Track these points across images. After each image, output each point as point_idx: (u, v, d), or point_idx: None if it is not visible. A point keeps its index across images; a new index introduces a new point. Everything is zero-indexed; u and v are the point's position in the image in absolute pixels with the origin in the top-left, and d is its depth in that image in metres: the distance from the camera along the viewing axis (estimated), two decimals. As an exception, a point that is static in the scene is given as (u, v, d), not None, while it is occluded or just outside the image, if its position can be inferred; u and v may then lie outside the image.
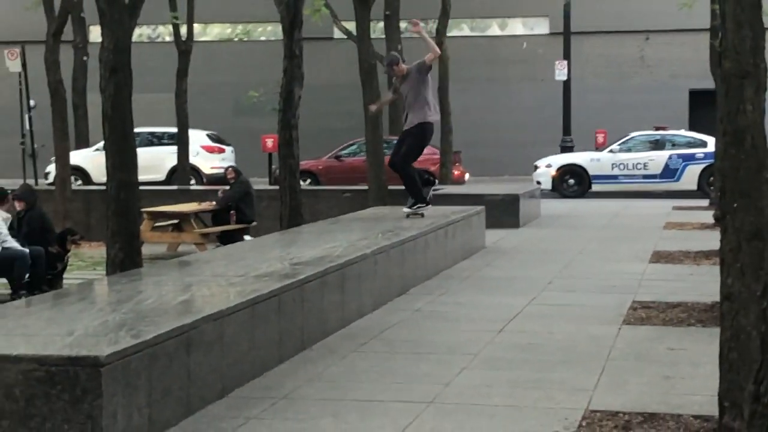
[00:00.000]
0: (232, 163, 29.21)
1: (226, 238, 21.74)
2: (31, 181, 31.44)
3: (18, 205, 16.99)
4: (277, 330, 9.27)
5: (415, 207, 15.93)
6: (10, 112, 37.05)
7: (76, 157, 31.92)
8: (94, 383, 6.46)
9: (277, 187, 21.87)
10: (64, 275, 17.07)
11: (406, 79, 15.86)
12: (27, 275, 15.91)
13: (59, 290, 14.80)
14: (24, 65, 33.26)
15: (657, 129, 35.14)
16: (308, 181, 31.62)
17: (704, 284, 13.21)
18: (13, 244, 15.92)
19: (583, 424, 7.38)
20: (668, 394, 8.23)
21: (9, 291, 15.83)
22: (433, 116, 16.02)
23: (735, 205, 6.88)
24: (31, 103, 34.08)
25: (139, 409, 6.90)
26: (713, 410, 7.09)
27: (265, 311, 8.99)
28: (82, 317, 7.94)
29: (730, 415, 6.81)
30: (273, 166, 30.79)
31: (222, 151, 37.88)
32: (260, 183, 28.77)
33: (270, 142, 34.07)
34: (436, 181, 16.63)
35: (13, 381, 6.50)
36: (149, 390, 7.04)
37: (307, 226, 15.36)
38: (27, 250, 16.00)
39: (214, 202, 23.00)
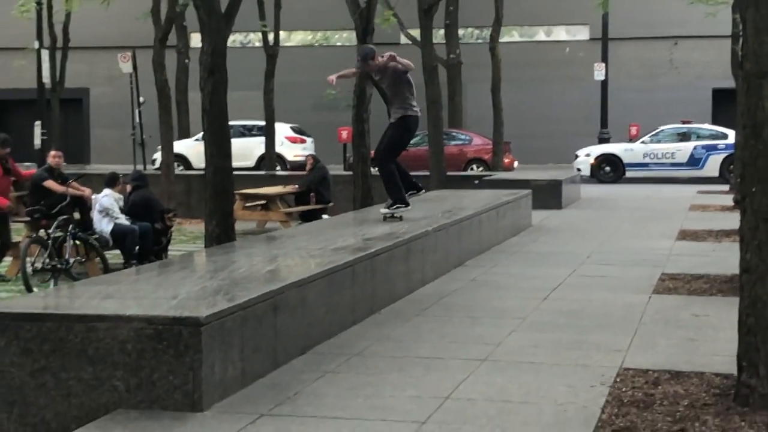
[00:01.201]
0: (312, 152, 29.25)
1: (306, 217, 21.83)
2: (140, 167, 31.75)
3: (128, 188, 17.14)
4: (351, 296, 9.31)
5: (393, 208, 12.71)
6: (123, 108, 37.38)
7: (179, 146, 32.12)
8: (195, 340, 6.55)
9: (350, 173, 21.93)
10: (169, 248, 17.21)
11: (384, 74, 12.91)
12: (137, 248, 16.06)
13: (164, 260, 14.96)
14: (135, 67, 33.49)
15: (683, 123, 35.10)
16: (376, 167, 31.56)
17: (725, 259, 13.11)
18: (124, 221, 16.08)
19: (618, 380, 7.37)
20: (693, 354, 8.20)
21: (122, 261, 15.98)
22: (415, 110, 12.74)
23: (753, 189, 6.86)
24: (141, 99, 34.33)
25: (233, 363, 6.98)
26: (732, 369, 7.06)
27: (340, 279, 9.04)
28: (185, 283, 8.04)
29: (747, 374, 6.79)
30: (347, 155, 30.85)
31: (303, 141, 38.10)
32: (336, 169, 28.77)
33: (344, 134, 34.35)
34: (423, 190, 13.67)
35: (126, 337, 6.60)
36: (242, 346, 7.11)
37: (377, 206, 15.36)
38: (136, 227, 16.15)
39: (296, 186, 23.09)
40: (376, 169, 13.71)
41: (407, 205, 12.65)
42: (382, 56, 12.50)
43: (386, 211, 12.72)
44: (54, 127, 33.30)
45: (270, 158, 33.76)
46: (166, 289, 7.79)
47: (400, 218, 12.53)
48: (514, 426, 6.29)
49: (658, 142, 33.81)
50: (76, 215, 15.91)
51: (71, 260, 15.18)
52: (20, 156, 17.44)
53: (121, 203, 16.48)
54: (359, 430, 6.23)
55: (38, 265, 14.96)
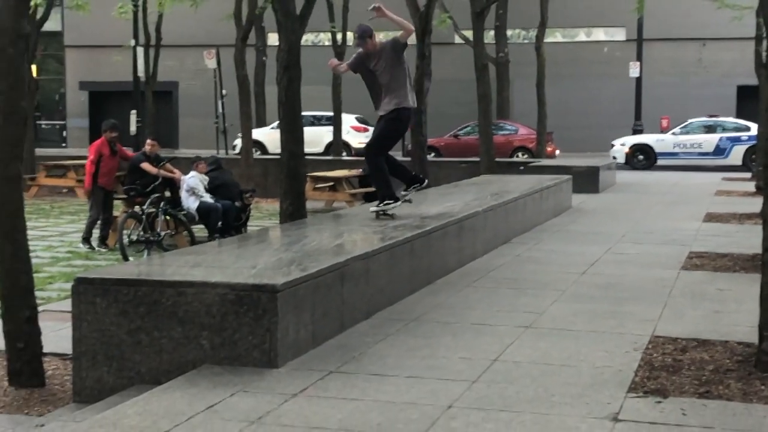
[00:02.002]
0: (375, 139, 29.30)
1: (369, 197, 21.84)
2: (221, 152, 32.00)
3: (204, 169, 17.22)
4: (409, 268, 9.33)
5: (383, 205, 10.77)
6: (207, 99, 37.65)
7: (257, 134, 32.28)
8: (272, 305, 6.60)
9: (409, 159, 21.95)
10: (247, 223, 17.32)
11: (380, 58, 10.78)
12: (220, 223, 16.19)
13: (243, 235, 15.07)
14: (218, 63, 33.74)
15: (710, 116, 34.92)
16: (432, 154, 31.59)
17: (747, 239, 13.03)
18: (208, 199, 16.21)
19: (649, 346, 7.34)
20: (717, 324, 8.14)
21: (206, 235, 16.12)
22: (411, 102, 10.83)
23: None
24: (223, 92, 34.62)
25: (304, 326, 7.02)
26: (754, 338, 7.02)
27: (400, 253, 9.05)
28: (262, 255, 8.10)
29: (767, 342, 6.73)
30: (405, 143, 30.84)
31: (366, 130, 38.14)
32: (395, 155, 28.78)
33: (404, 124, 34.50)
34: (426, 181, 11.66)
35: (212, 301, 6.67)
36: (312, 311, 7.15)
37: (433, 189, 15.36)
38: (220, 204, 16.27)
39: (360, 170, 23.14)
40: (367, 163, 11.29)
41: (396, 200, 10.83)
42: (372, 9, 10.87)
43: (375, 208, 10.93)
44: (147, 116, 33.64)
45: (337, 145, 33.91)
46: (246, 260, 7.87)
47: (392, 216, 10.77)
48: (556, 386, 6.29)
49: (687, 133, 33.62)
50: (167, 194, 16.11)
51: (162, 233, 15.36)
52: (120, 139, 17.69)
53: (206, 183, 16.60)
54: (417, 386, 6.26)
55: (133, 237, 15.17)
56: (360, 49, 10.87)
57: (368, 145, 11.30)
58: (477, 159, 24.29)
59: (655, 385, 6.31)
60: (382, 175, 10.76)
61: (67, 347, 7.50)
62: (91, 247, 15.76)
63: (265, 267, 7.40)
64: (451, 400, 5.95)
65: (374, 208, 10.92)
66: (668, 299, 9.20)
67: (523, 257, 11.83)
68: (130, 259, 14.08)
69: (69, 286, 9.32)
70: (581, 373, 6.59)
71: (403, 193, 10.96)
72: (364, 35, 10.73)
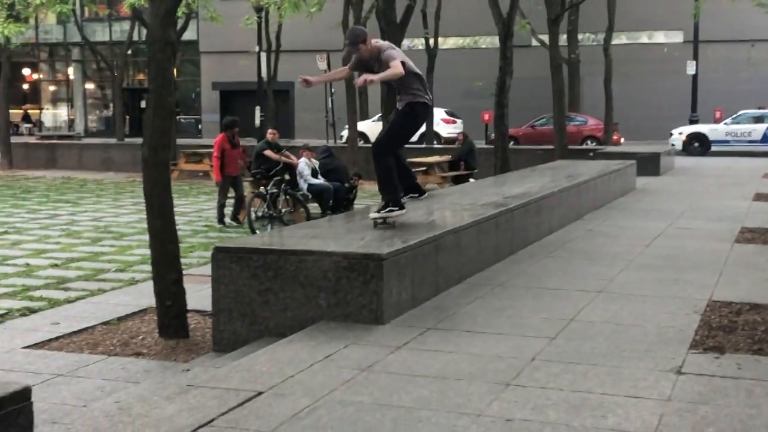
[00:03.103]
0: (462, 130, 29.15)
1: (457, 180, 21.79)
2: (331, 142, 32.16)
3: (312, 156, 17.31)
4: (495, 240, 9.28)
5: (385, 211, 8.15)
6: (319, 97, 37.68)
7: (361, 126, 32.36)
8: (379, 271, 6.64)
9: (491, 146, 21.84)
10: (354, 202, 17.41)
11: (380, 62, 8.05)
12: (331, 201, 16.31)
13: (351, 211, 15.16)
14: (328, 65, 33.86)
15: (759, 108, 34.08)
16: (512, 143, 31.38)
17: (793, 216, 12.73)
18: (316, 182, 16.33)
19: (707, 309, 7.20)
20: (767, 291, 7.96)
21: (320, 212, 16.26)
22: (425, 97, 8.29)
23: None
24: (332, 90, 34.82)
25: (405, 289, 7.05)
26: (800, 302, 6.85)
27: (486, 228, 9.01)
28: (368, 229, 8.13)
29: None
30: (488, 132, 30.64)
31: (454, 122, 38.23)
32: (479, 144, 28.60)
33: (486, 116, 34.44)
34: (426, 195, 9.53)
35: (327, 267, 6.73)
36: (412, 277, 7.17)
37: (513, 173, 15.23)
38: (331, 186, 16.40)
39: (450, 156, 23.07)
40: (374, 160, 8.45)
41: (402, 208, 8.11)
42: (357, 82, 8.17)
43: (376, 215, 8.07)
44: (269, 111, 33.93)
45: (429, 135, 33.83)
46: (355, 233, 7.91)
47: (393, 224, 8.02)
48: (626, 342, 6.22)
49: (738, 123, 32.89)
50: (287, 176, 16.29)
51: (283, 210, 15.57)
52: (243, 133, 17.93)
53: (314, 167, 16.71)
54: (503, 342, 6.24)
55: (259, 213, 15.42)
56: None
57: (377, 141, 8.38)
58: (551, 147, 24.05)
59: (714, 343, 6.20)
60: (389, 176, 8.03)
61: (206, 305, 7.66)
62: (225, 226, 16.05)
63: (372, 239, 7.44)
64: (533, 354, 5.93)
65: (374, 215, 8.05)
66: (723, 268, 9.01)
67: (594, 231, 11.68)
68: (257, 232, 14.29)
69: (207, 254, 9.50)
70: (647, 332, 6.51)
71: (372, 216, 8.17)
72: (357, 41, 7.94)
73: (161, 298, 7.84)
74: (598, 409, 4.88)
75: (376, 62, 7.93)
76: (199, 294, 8.58)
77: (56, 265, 11.91)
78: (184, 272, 8.25)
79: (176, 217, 8.31)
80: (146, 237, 8.65)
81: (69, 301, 9.55)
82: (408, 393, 5.14)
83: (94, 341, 7.74)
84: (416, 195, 9.00)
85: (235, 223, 16.20)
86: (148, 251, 8.49)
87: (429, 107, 8.26)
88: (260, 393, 5.16)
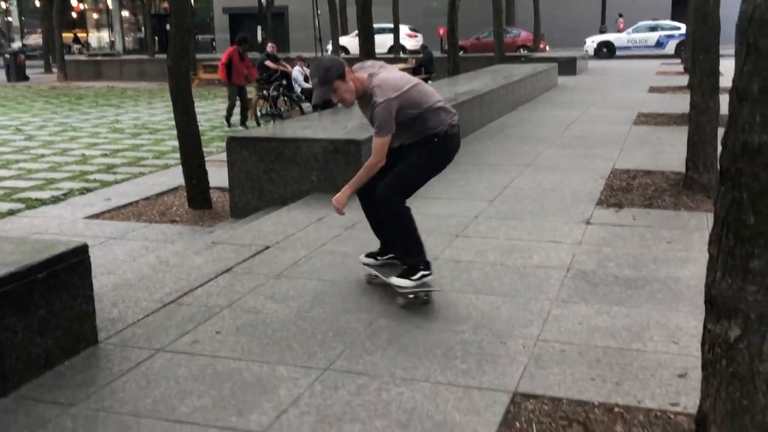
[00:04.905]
0: (423, 43, 28.54)
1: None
2: (319, 54, 31.45)
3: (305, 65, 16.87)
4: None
5: (416, 279, 4.01)
6: (308, 17, 36.74)
7: (342, 40, 31.57)
8: (357, 153, 6.60)
9: (445, 55, 21.43)
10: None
11: (370, 109, 3.93)
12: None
13: (335, 109, 14.93)
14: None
15: (653, 20, 33.60)
16: (461, 51, 30.81)
17: (679, 104, 12.72)
18: (307, 86, 15.98)
19: (610, 176, 7.26)
20: (657, 160, 8.00)
21: (312, 110, 16.04)
22: (448, 121, 4.04)
23: (701, 56, 6.53)
24: (318, 11, 33.83)
25: (379, 166, 7.02)
26: (682, 169, 6.91)
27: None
28: (350, 121, 8.04)
29: (692, 171, 6.63)
30: (443, 44, 30.06)
31: (416, 36, 37.22)
32: (436, 53, 28.09)
33: (441, 31, 33.71)
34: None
35: (318, 151, 6.68)
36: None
37: (462, 75, 15.00)
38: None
39: (413, 63, 22.63)
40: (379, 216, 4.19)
41: (429, 267, 4.12)
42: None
43: (405, 287, 4.03)
44: (268, 30, 33.04)
45: (396, 47, 33.15)
46: (339, 124, 7.82)
47: (426, 299, 4.09)
48: (548, 203, 6.27)
49: (637, 32, 32.44)
50: (284, 82, 15.98)
51: (282, 109, 15.33)
52: (249, 48, 17.44)
53: (308, 73, 16.35)
54: (455, 204, 6.28)
55: (264, 111, 15.18)
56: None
57: (388, 185, 4.04)
58: (492, 54, 23.67)
59: (615, 201, 6.27)
60: (408, 229, 4.10)
61: (224, 183, 7.62)
62: (229, 126, 15.66)
63: (352, 128, 7.36)
64: (477, 213, 5.98)
65: (404, 287, 4.05)
66: (624, 144, 9.04)
67: (525, 120, 11.63)
68: (262, 125, 14.11)
69: (223, 144, 9.37)
70: (564, 195, 6.56)
71: (401, 288, 4.08)
72: (327, 79, 3.92)
73: (189, 179, 7.78)
74: (526, 251, 4.96)
75: (366, 108, 4.04)
76: (218, 175, 8.52)
77: (105, 155, 11.77)
78: (206, 158, 8.17)
79: (198, 116, 8.17)
80: (175, 131, 8.53)
81: (117, 182, 9.47)
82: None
83: (138, 212, 7.72)
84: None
85: (242, 128, 15.91)
86: (177, 142, 8.38)
87: (455, 135, 4.10)
88: (268, 247, 5.20)
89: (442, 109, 4.10)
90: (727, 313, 2.03)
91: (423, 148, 4.07)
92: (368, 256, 4.48)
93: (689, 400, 3.00)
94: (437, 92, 4.17)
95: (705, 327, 2.11)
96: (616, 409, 2.97)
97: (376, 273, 4.35)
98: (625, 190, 6.62)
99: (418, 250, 4.13)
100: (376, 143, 3.94)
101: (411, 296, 4.09)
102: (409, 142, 4.08)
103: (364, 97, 4.01)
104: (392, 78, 3.97)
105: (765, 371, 2.00)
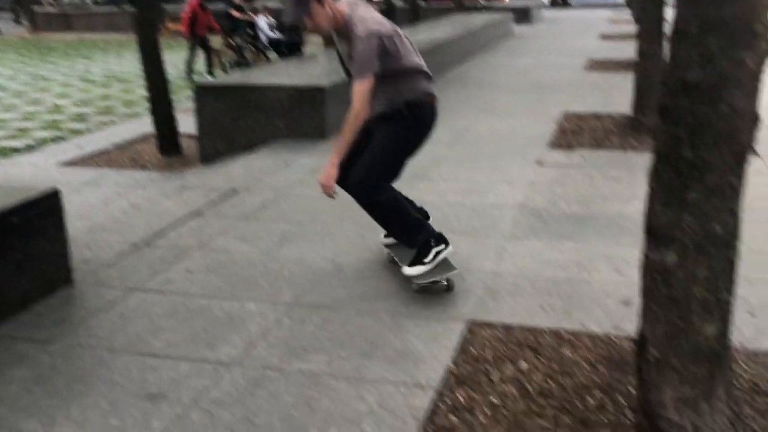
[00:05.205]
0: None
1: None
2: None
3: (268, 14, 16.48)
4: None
5: (429, 262, 3.34)
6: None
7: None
8: (321, 98, 6.52)
9: (409, 6, 21.07)
10: (303, 48, 16.87)
11: (349, 42, 3.19)
12: (284, 49, 15.71)
13: (300, 58, 14.69)
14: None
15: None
16: (424, 3, 30.29)
17: (628, 51, 12.77)
18: (272, 35, 15.65)
19: (563, 119, 7.27)
20: (606, 105, 8.03)
21: (277, 58, 15.74)
22: (424, 87, 3.29)
23: (648, 5, 6.51)
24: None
25: (342, 112, 6.94)
26: (630, 112, 6.94)
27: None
28: (314, 68, 7.92)
29: (638, 113, 6.67)
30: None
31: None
32: (399, 5, 27.63)
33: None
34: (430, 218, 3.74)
35: (283, 98, 6.59)
36: (347, 104, 7.04)
37: (423, 24, 14.79)
38: (283, 37, 15.78)
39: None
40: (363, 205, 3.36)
41: (446, 241, 3.43)
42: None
43: (419, 275, 3.36)
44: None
45: None
46: (304, 71, 7.70)
47: (447, 285, 3.39)
48: (503, 146, 6.28)
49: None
50: (250, 31, 15.63)
51: (248, 57, 15.04)
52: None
53: (273, 22, 15.99)
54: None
55: (230, 61, 14.88)
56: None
57: (363, 171, 3.28)
58: (452, 5, 23.37)
59: (566, 143, 6.30)
60: (400, 214, 3.40)
61: (193, 130, 7.50)
62: (192, 79, 15.23)
63: (316, 75, 7.26)
64: (438, 157, 5.96)
65: (418, 275, 3.37)
66: (575, 90, 9.05)
67: (483, 67, 11.56)
68: (228, 74, 13.82)
69: (190, 92, 9.18)
70: (519, 138, 6.57)
71: (415, 278, 3.38)
72: (304, 8, 3.17)
73: (159, 126, 7.64)
74: (483, 192, 4.98)
75: (342, 39, 3.32)
76: (187, 122, 8.39)
77: (77, 104, 11.48)
78: (175, 107, 8.01)
79: (166, 67, 7.98)
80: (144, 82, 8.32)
81: (89, 131, 9.27)
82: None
83: (110, 159, 7.57)
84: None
85: (210, 77, 15.55)
86: (146, 92, 8.19)
87: (434, 107, 3.37)
88: (236, 190, 5.15)
89: (422, 73, 3.31)
90: (665, 241, 2.07)
91: (397, 123, 3.27)
92: (387, 236, 3.72)
93: (631, 325, 3.07)
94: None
95: (644, 255, 2.15)
96: (564, 335, 3.03)
97: (393, 257, 3.59)
98: (575, 133, 6.65)
99: (418, 226, 3.39)
100: (356, 88, 3.12)
101: (428, 283, 3.35)
102: (380, 111, 3.26)
103: (343, 32, 3.23)
104: (376, 15, 3.25)
105: (699, 295, 2.05)
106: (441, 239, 3.43)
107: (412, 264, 3.41)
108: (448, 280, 3.42)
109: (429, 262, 3.39)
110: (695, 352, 2.07)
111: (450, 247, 3.46)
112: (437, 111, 3.42)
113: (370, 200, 3.33)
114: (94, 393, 2.66)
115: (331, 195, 3.25)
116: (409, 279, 3.47)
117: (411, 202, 3.67)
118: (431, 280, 3.36)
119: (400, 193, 3.47)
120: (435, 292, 3.41)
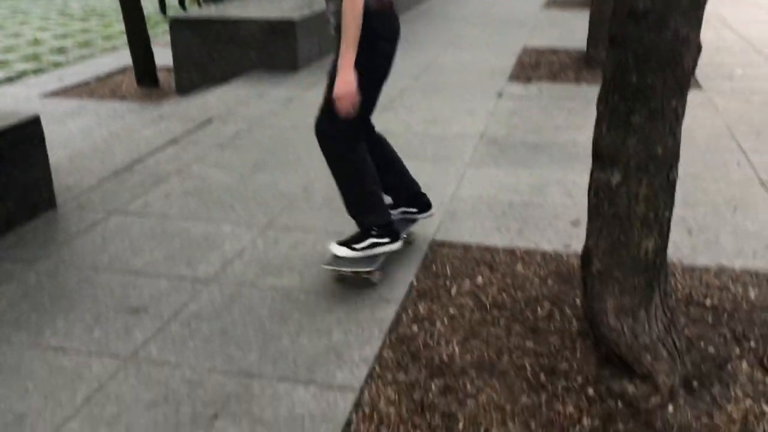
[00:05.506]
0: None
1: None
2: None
3: None
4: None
5: (363, 247, 2.65)
6: None
7: None
8: (293, 31, 6.36)
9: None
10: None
11: None
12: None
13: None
14: None
15: None
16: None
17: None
18: None
19: (522, 53, 7.19)
20: (563, 40, 7.92)
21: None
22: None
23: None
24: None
25: (313, 45, 6.79)
26: (585, 48, 6.87)
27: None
28: (287, 2, 7.69)
29: (592, 48, 6.61)
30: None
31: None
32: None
33: None
34: (432, 212, 2.93)
35: (256, 30, 6.41)
36: (318, 36, 6.88)
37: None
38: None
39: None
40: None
41: (394, 237, 2.70)
42: None
43: (340, 256, 2.68)
44: None
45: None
46: (277, 4, 7.48)
47: (377, 277, 2.72)
48: (466, 77, 6.21)
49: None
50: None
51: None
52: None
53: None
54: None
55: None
56: None
57: (318, 119, 2.55)
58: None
59: (524, 75, 6.26)
60: (357, 178, 2.59)
61: (169, 63, 7.29)
62: (164, 13, 14.69)
63: (289, 8, 7.05)
64: (404, 88, 5.89)
65: (345, 255, 2.69)
66: (535, 25, 8.93)
67: (449, 1, 11.30)
68: (202, 7, 13.35)
69: (167, 27, 8.90)
70: (482, 70, 6.51)
71: (338, 253, 2.71)
72: None
73: (136, 58, 7.41)
74: (447, 121, 4.96)
75: None
76: (164, 55, 8.15)
77: (57, 37, 11.07)
78: (152, 40, 7.76)
79: (143, 2, 7.70)
80: (122, 15, 8.03)
81: (69, 63, 8.97)
82: (314, 116, 5.10)
83: (90, 91, 7.36)
84: (416, 212, 3.01)
85: (183, 10, 15.02)
86: (124, 26, 7.91)
87: (394, 15, 2.51)
88: (211, 120, 5.05)
89: None
90: (610, 162, 2.08)
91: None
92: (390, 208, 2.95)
93: (579, 243, 3.12)
94: None
95: (591, 175, 2.17)
96: (518, 252, 3.07)
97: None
98: (533, 66, 6.60)
99: (370, 206, 2.60)
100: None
101: (346, 273, 2.67)
102: (335, 24, 2.50)
103: None
104: None
105: (640, 212, 2.08)
106: (388, 232, 2.68)
107: (342, 243, 2.68)
108: (370, 274, 2.68)
109: (359, 250, 2.67)
110: (635, 264, 2.12)
111: (395, 245, 2.71)
112: (397, 22, 2.51)
113: (329, 146, 2.55)
114: (78, 308, 2.66)
115: (354, 105, 2.40)
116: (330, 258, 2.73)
117: (412, 183, 2.88)
118: (352, 269, 2.63)
119: (388, 163, 2.71)
120: (355, 283, 2.71)
